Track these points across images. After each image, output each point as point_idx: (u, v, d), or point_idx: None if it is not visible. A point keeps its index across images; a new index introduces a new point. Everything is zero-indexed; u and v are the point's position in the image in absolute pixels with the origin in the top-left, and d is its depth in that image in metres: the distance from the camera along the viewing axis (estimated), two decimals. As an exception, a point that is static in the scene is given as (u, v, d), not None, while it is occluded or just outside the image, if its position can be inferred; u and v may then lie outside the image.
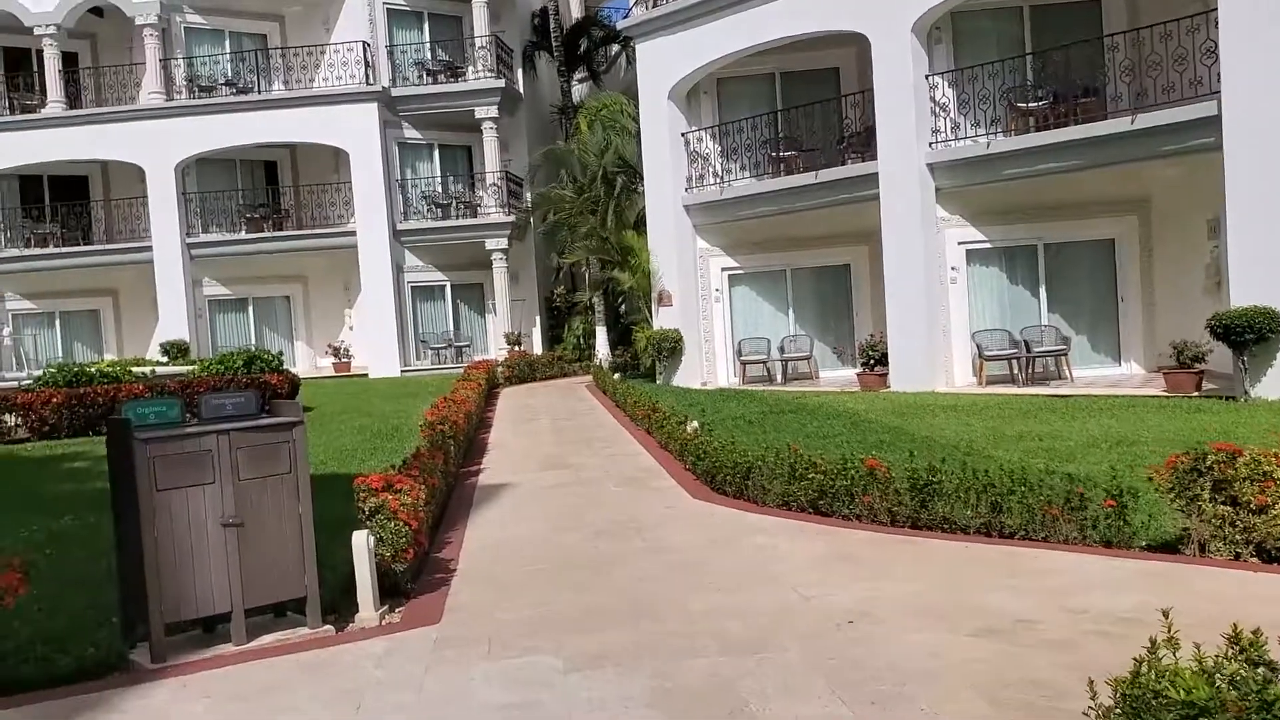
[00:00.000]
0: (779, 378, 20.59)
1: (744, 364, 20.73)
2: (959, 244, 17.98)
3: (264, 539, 5.78)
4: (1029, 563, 6.61)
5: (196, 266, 26.86)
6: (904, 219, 17.50)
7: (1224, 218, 14.20)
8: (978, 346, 17.56)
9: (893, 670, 4.80)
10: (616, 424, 16.16)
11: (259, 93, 27.54)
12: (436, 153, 28.71)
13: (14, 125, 26.50)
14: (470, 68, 28.02)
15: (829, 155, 19.95)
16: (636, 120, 22.74)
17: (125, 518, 5.77)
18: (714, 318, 21.15)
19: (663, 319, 21.28)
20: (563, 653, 5.40)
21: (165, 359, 23.89)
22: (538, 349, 28.59)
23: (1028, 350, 17.27)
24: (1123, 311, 17.75)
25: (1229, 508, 6.32)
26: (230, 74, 27.96)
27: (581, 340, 28.23)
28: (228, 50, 28.19)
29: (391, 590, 6.69)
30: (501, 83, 27.43)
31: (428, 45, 28.48)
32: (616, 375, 22.38)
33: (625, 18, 23.23)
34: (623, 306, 27.84)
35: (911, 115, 17.37)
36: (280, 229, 28.05)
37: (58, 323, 27.91)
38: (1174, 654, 3.24)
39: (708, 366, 21.07)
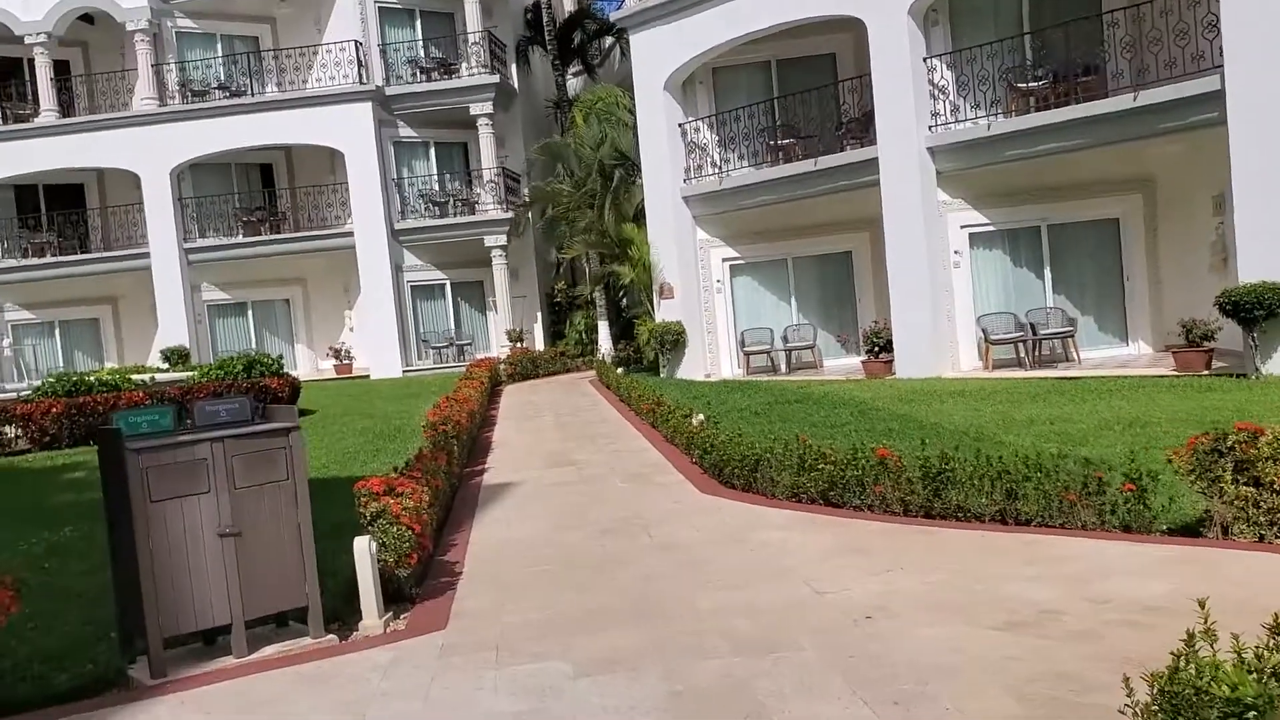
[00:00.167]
0: (783, 368, 20.44)
1: (747, 355, 20.58)
2: (961, 227, 17.80)
3: (263, 548, 5.63)
4: (1047, 550, 6.45)
5: (194, 272, 26.73)
6: (905, 204, 17.32)
7: (1229, 193, 14.02)
8: (983, 330, 17.38)
9: (913, 667, 4.64)
10: (621, 419, 16.02)
11: (252, 95, 27.37)
12: (432, 150, 28.53)
13: (7, 135, 26.36)
14: (464, 64, 27.83)
15: (827, 142, 19.77)
16: (632, 112, 22.58)
17: (120, 530, 5.62)
18: (716, 309, 20.99)
19: (665, 312, 21.12)
20: (572, 657, 5.25)
21: (166, 366, 23.77)
22: (540, 345, 28.46)
23: (1034, 333, 17.09)
24: (1129, 291, 17.57)
25: (1252, 489, 6.16)
26: (223, 77, 27.80)
27: (584, 335, 28.08)
28: (220, 54, 28.03)
29: (396, 596, 6.54)
30: (496, 78, 27.25)
31: (420, 43, 28.28)
32: (620, 369, 22.23)
33: (618, 9, 23.05)
34: (624, 300, 27.68)
35: (910, 99, 17.18)
36: (278, 231, 27.89)
37: (57, 332, 27.80)
38: (1212, 646, 3.08)
39: (711, 358, 20.91)
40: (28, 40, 26.23)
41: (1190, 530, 6.52)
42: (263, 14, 28.23)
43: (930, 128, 17.32)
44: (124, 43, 27.12)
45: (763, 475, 9.12)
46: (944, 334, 17.48)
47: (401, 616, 6.35)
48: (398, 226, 27.10)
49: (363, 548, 6.08)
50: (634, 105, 21.91)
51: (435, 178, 28.42)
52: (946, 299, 17.56)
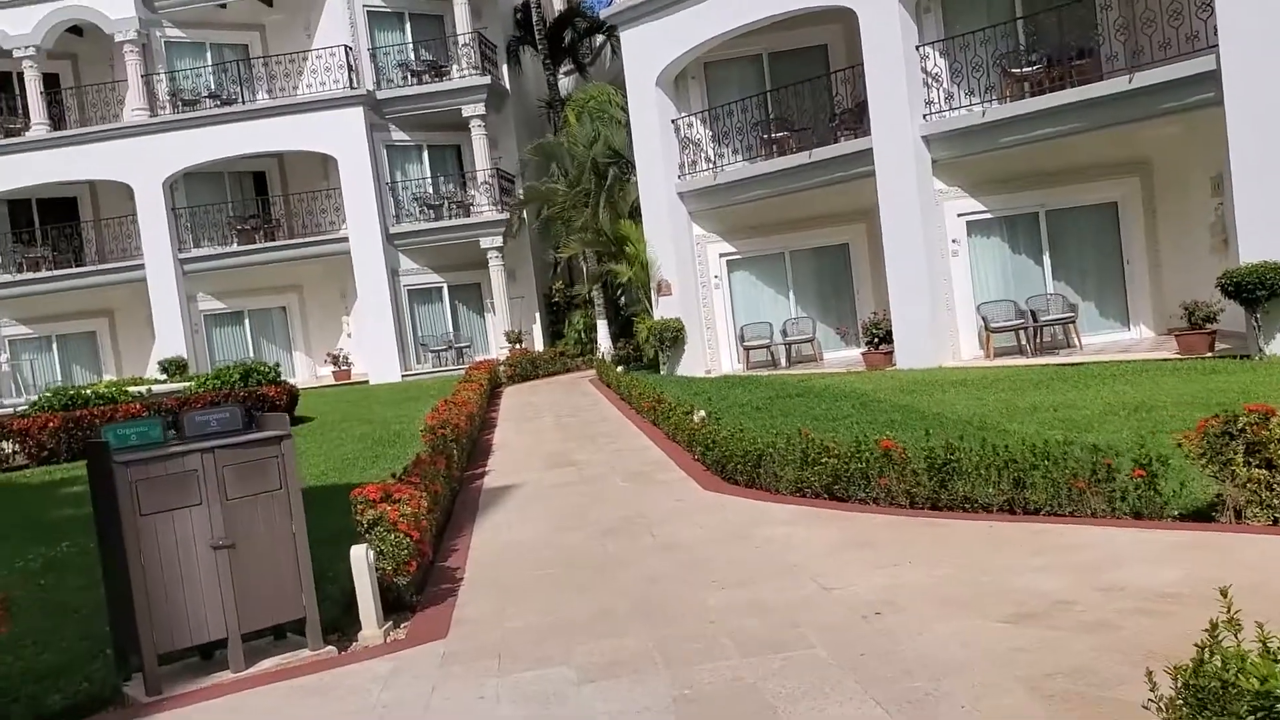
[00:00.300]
0: (783, 361, 20.34)
1: (747, 349, 20.47)
2: (959, 216, 17.68)
3: (257, 560, 5.52)
4: (1057, 539, 6.34)
5: (190, 282, 26.59)
6: (901, 194, 17.20)
7: (1228, 174, 13.90)
8: (983, 319, 17.27)
9: (925, 664, 4.52)
10: (622, 417, 15.90)
11: (243, 103, 27.22)
12: (425, 154, 28.39)
13: (-2, 150, 26.23)
14: (454, 66, 27.69)
15: (821, 134, 19.65)
16: (625, 110, 22.45)
17: (111, 545, 5.51)
18: (714, 304, 20.88)
19: (663, 309, 21.00)
20: (575, 662, 5.14)
21: (164, 377, 23.64)
22: (539, 346, 28.32)
23: (1034, 320, 16.97)
24: (1129, 275, 17.44)
25: (1264, 471, 6.03)
26: (213, 86, 27.65)
27: (583, 335, 27.95)
28: (209, 62, 27.88)
29: (396, 604, 6.43)
30: (487, 79, 27.12)
31: (410, 46, 28.13)
32: (620, 368, 22.13)
33: (608, 7, 22.91)
34: (623, 298, 27.55)
35: (904, 88, 17.06)
36: (272, 239, 27.75)
37: (55, 346, 27.65)
38: (1235, 636, 2.97)
39: (711, 354, 20.80)
40: (16, 54, 26.07)
41: (1202, 515, 6.40)
42: (252, 21, 28.07)
43: (924, 116, 17.21)
44: (113, 54, 26.95)
45: (766, 471, 9.01)
46: (943, 323, 17.36)
47: (402, 625, 6.24)
48: (392, 230, 26.97)
49: (360, 557, 5.96)
50: (626, 103, 21.78)
51: (429, 181, 28.29)
52: (945, 288, 17.45)
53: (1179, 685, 2.94)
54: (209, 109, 26.96)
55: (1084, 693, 4.01)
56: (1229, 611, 3.00)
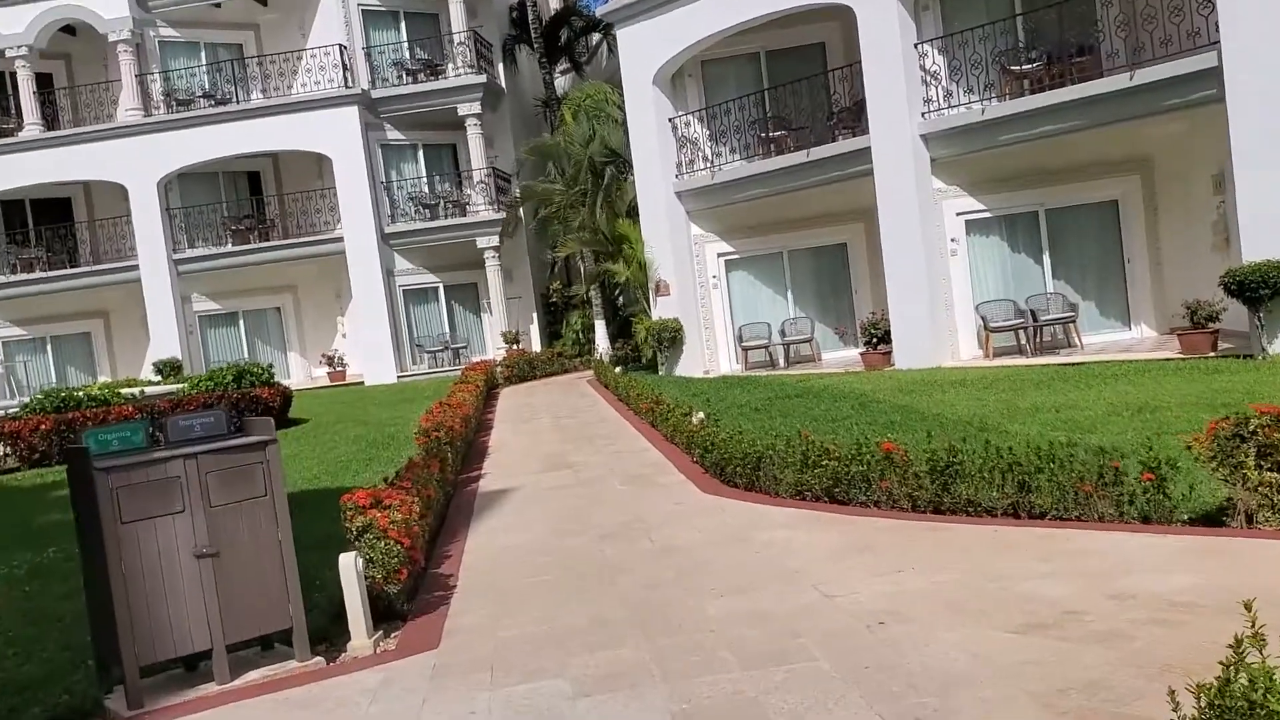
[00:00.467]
0: (781, 362, 20.19)
1: (745, 350, 20.33)
2: (958, 215, 17.54)
3: (242, 569, 5.36)
4: (1063, 544, 6.19)
5: (184, 282, 26.41)
6: (900, 192, 17.05)
7: (1230, 171, 13.77)
8: (982, 318, 17.12)
9: (932, 677, 4.36)
10: (620, 418, 15.75)
11: (238, 103, 27.06)
12: (421, 153, 28.21)
13: (-9, 150, 26.05)
14: (450, 65, 27.52)
15: (819, 133, 19.51)
16: (622, 109, 22.28)
17: (92, 553, 5.35)
18: (713, 305, 20.73)
19: (661, 309, 20.86)
20: (570, 674, 4.98)
21: (159, 378, 23.46)
22: (536, 346, 28.15)
23: (1034, 319, 16.82)
24: (1130, 274, 17.30)
25: (1277, 475, 5.89)
26: (207, 86, 27.48)
27: (581, 335, 27.78)
28: (204, 62, 27.71)
29: (386, 613, 6.27)
30: (483, 78, 26.95)
31: (405, 44, 27.95)
32: (618, 368, 21.97)
33: (605, 5, 22.75)
34: (620, 299, 27.39)
35: (902, 86, 16.92)
36: (267, 239, 27.58)
37: (49, 348, 27.44)
38: (1261, 652, 2.82)
39: (709, 355, 20.65)
40: (9, 53, 25.87)
41: (1212, 520, 6.26)
42: (246, 21, 27.90)
43: (923, 114, 17.06)
44: (107, 54, 26.78)
45: (765, 473, 8.86)
46: (942, 323, 17.22)
47: (392, 635, 6.08)
48: (388, 230, 26.80)
49: (349, 565, 5.80)
50: (623, 101, 21.63)
51: (424, 180, 28.10)
52: (944, 288, 17.30)
53: (1203, 705, 2.78)
54: (203, 109, 26.78)
55: (1099, 709, 3.84)
56: (1253, 625, 2.85)
